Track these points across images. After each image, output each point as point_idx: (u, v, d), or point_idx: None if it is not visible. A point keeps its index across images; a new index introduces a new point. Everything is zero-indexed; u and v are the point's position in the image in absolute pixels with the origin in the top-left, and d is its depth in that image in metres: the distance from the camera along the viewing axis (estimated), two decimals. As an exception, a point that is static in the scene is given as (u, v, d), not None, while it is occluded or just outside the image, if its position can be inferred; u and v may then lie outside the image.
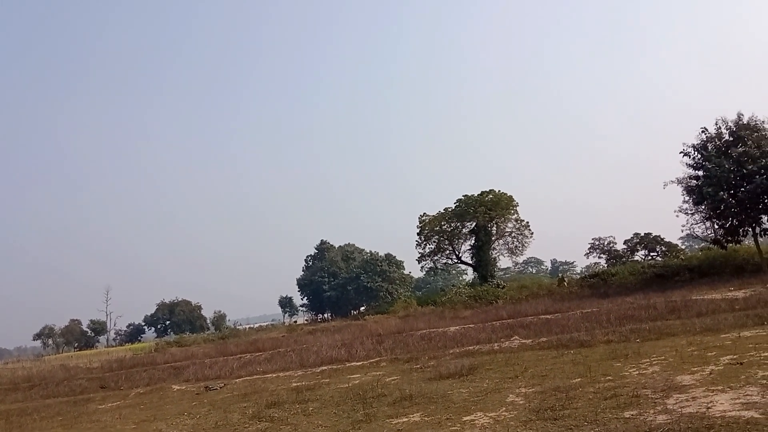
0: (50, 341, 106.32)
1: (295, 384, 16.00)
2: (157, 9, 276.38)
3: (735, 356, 11.03)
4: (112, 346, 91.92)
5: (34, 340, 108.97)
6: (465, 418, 9.14)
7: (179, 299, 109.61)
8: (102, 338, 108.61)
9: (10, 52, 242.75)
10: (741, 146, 36.69)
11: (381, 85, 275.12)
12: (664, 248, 56.85)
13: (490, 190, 60.79)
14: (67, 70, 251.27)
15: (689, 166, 39.12)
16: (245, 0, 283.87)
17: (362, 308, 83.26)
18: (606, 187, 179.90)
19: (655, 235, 57.91)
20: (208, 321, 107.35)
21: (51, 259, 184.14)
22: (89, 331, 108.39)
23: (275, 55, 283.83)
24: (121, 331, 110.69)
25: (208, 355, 30.12)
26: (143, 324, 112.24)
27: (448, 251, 64.50)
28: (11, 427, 15.35)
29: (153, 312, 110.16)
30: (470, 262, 62.72)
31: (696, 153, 38.70)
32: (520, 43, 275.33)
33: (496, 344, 18.22)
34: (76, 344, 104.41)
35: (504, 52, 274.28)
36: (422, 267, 67.52)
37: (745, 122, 37.76)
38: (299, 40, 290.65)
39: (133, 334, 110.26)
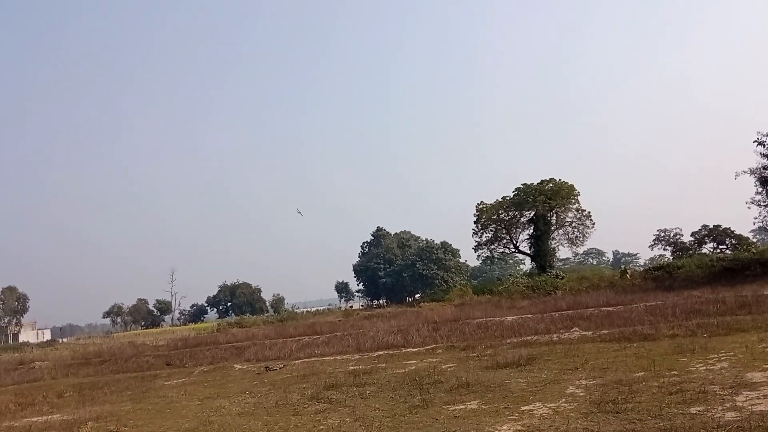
0: (119, 319, 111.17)
1: (352, 367, 16.24)
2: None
3: (811, 355, 10.54)
4: (177, 326, 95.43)
5: (103, 317, 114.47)
6: (523, 408, 9.08)
7: (240, 282, 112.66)
8: (167, 317, 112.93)
9: (68, 31, 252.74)
10: (822, 135, 34.75)
11: (442, 74, 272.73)
12: (734, 241, 54.46)
13: (551, 179, 59.54)
14: (119, 56, 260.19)
15: (764, 155, 37.33)
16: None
17: (417, 295, 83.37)
18: (675, 174, 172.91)
19: (725, 228, 55.54)
20: (267, 303, 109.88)
21: (121, 242, 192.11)
22: (155, 311, 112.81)
23: (346, 37, 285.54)
24: (185, 311, 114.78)
25: (268, 337, 30.86)
26: (206, 305, 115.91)
27: (505, 240, 63.69)
28: (84, 399, 16.21)
29: (215, 293, 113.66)
30: (528, 251, 61.75)
31: (772, 142, 36.90)
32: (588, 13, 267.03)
33: (555, 335, 17.92)
34: (143, 323, 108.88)
35: (573, 21, 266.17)
36: (478, 256, 67.04)
37: (827, 109, 35.70)
38: (372, 24, 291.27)
39: (196, 314, 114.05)
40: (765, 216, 39.98)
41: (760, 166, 37.65)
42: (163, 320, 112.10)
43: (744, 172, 38.36)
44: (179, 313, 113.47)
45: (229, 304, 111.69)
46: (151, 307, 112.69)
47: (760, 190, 38.20)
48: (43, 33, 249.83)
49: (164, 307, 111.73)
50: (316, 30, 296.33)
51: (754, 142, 37.32)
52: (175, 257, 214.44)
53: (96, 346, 43.08)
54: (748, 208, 39.91)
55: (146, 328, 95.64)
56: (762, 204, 38.86)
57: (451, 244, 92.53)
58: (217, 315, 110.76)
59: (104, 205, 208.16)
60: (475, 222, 63.76)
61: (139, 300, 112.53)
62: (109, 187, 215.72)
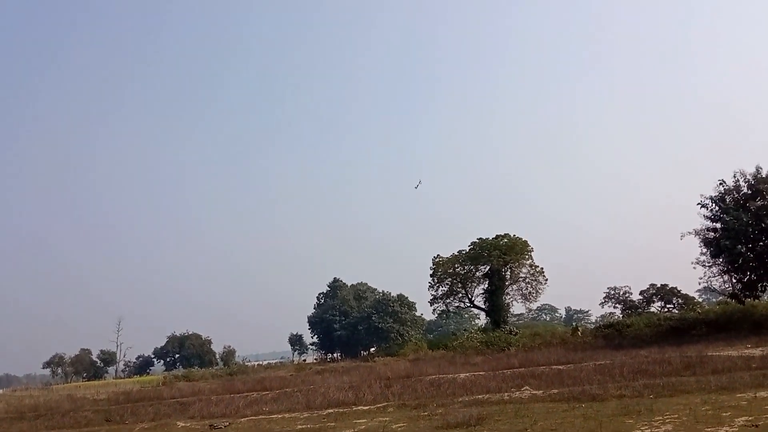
0: (59, 370, 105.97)
1: (300, 426, 15.83)
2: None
3: (750, 418, 10.82)
4: (121, 378, 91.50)
5: (43, 368, 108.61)
6: (470, 472, 8.97)
7: (190, 332, 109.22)
8: (111, 369, 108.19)
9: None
10: (760, 200, 36.43)
11: (404, 120, 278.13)
12: (680, 300, 55.96)
13: (505, 234, 60.55)
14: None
15: (707, 218, 38.86)
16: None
17: (372, 349, 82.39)
18: (624, 234, 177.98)
19: (672, 287, 57.10)
20: (217, 356, 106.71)
21: (65, 286, 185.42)
22: (99, 362, 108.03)
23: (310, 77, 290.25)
24: (130, 362, 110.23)
25: (215, 392, 29.89)
26: (152, 356, 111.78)
27: (460, 294, 63.94)
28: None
29: (163, 344, 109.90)
30: (483, 306, 62.10)
31: (714, 205, 38.46)
32: (546, 89, 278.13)
33: (506, 394, 17.93)
34: (85, 374, 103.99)
35: (531, 94, 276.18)
36: (434, 309, 66.85)
37: (763, 176, 37.58)
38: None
39: (142, 366, 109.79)
40: (709, 277, 41.34)
41: (703, 227, 39.14)
42: (107, 372, 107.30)
43: (689, 233, 39.78)
44: (124, 365, 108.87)
45: (177, 355, 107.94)
46: (94, 357, 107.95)
47: (704, 251, 39.54)
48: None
49: (108, 358, 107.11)
50: (282, 79, 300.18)
51: (697, 204, 38.92)
52: (122, 305, 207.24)
53: (33, 398, 40.81)
54: (694, 268, 41.16)
55: (88, 380, 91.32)
56: (706, 264, 40.17)
57: (407, 297, 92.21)
58: (164, 367, 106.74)
59: (47, 249, 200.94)
60: (431, 275, 64.00)
61: (82, 350, 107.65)
62: (52, 230, 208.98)
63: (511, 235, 60.52)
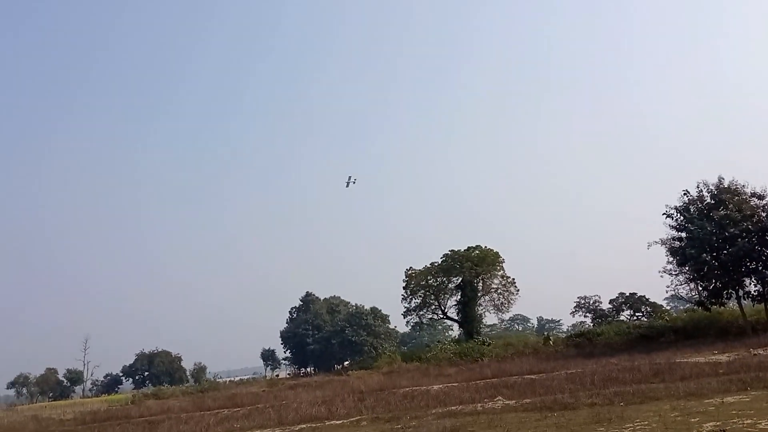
0: (24, 390, 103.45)
1: (272, 443, 15.60)
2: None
3: (718, 423, 10.97)
4: (88, 397, 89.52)
5: (8, 388, 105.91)
6: (443, 484, 8.92)
7: (159, 350, 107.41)
8: (78, 388, 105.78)
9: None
10: (722, 209, 37.24)
11: (371, 136, 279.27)
12: (649, 308, 56.86)
13: (477, 246, 60.92)
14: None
15: (672, 227, 39.58)
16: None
17: (346, 363, 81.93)
18: (594, 243, 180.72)
19: (640, 296, 58.00)
20: (188, 373, 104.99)
21: (29, 305, 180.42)
22: (65, 381, 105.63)
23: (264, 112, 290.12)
24: (98, 381, 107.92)
25: (185, 410, 29.33)
26: (121, 374, 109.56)
27: (434, 306, 64.10)
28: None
29: (132, 362, 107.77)
30: (456, 317, 62.30)
31: (678, 215, 39.21)
32: (509, 96, 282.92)
33: (479, 404, 17.94)
34: (51, 394, 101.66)
35: (494, 102, 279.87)
36: (408, 321, 66.95)
37: (725, 185, 38.47)
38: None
39: (110, 384, 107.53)
40: (676, 285, 42.02)
41: (669, 237, 39.86)
42: (74, 391, 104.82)
43: (656, 242, 40.44)
44: (91, 384, 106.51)
45: (146, 373, 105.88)
46: (60, 377, 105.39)
47: (670, 260, 40.25)
48: None
49: (75, 377, 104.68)
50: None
51: (663, 214, 39.65)
52: (89, 323, 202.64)
53: (-5, 420, 39.61)
54: (661, 276, 41.81)
55: (54, 400, 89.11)
56: (673, 273, 40.86)
57: (380, 310, 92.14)
58: (133, 385, 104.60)
59: (10, 264, 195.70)
60: (404, 287, 64.00)
61: (48, 369, 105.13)
62: (18, 244, 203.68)
63: (483, 247, 60.94)
